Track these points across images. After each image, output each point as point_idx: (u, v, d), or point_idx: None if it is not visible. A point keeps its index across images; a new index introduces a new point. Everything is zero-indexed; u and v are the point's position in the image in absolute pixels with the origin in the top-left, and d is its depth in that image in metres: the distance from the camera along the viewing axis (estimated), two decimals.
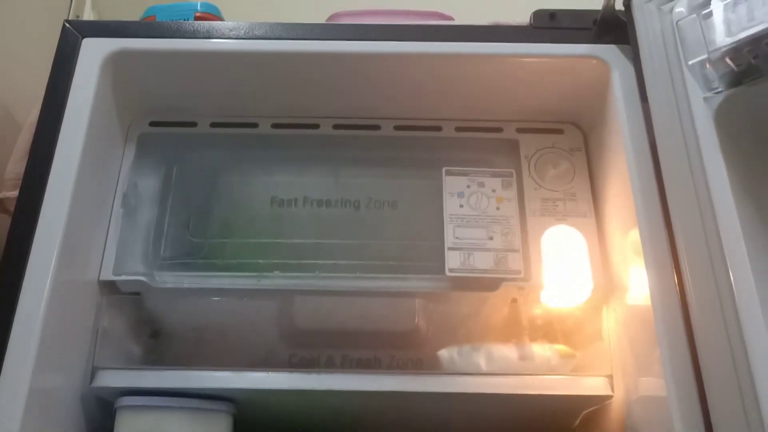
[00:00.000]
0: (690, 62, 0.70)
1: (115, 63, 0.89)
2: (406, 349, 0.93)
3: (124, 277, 0.91)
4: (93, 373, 0.87)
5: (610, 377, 0.87)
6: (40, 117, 0.85)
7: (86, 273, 0.88)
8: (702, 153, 0.69)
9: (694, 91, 0.72)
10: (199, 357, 0.94)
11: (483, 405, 0.89)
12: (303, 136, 0.98)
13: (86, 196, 0.85)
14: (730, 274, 0.68)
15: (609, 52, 0.86)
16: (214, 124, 0.99)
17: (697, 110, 0.71)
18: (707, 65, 0.69)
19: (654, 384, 0.76)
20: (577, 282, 0.89)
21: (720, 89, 0.70)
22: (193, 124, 0.99)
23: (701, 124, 0.70)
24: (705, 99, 0.71)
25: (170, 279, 0.92)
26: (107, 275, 0.91)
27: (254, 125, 0.99)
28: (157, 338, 0.99)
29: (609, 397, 0.86)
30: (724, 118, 0.70)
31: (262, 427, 0.93)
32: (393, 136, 0.98)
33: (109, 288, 0.92)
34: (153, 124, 0.99)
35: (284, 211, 0.95)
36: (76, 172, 0.82)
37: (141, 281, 0.91)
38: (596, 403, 0.88)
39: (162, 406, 0.86)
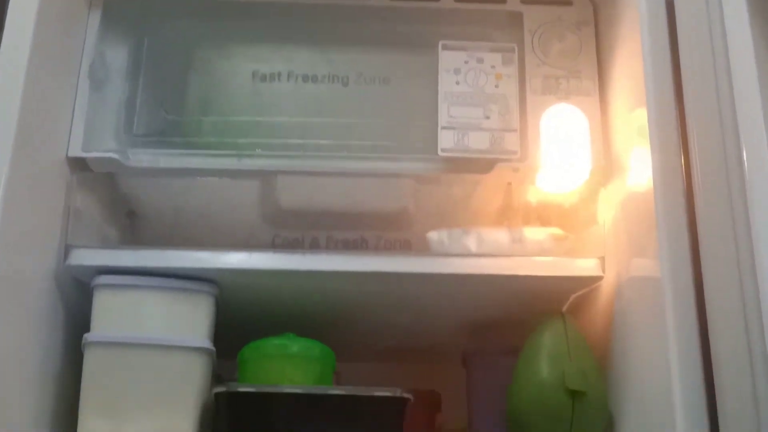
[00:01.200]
0: None
1: None
2: (394, 231, 0.92)
3: (94, 154, 0.87)
4: (66, 252, 0.84)
5: (602, 259, 0.86)
6: None
7: (52, 149, 0.84)
8: (724, 13, 0.64)
9: None
10: (177, 239, 0.92)
11: (472, 287, 0.88)
12: (288, 4, 0.92)
13: (45, 67, 0.79)
14: (744, 158, 0.66)
15: None
16: None
17: None
18: None
19: (648, 265, 0.75)
20: (575, 163, 0.87)
21: None
22: None
23: None
24: None
25: (145, 158, 0.88)
26: (76, 152, 0.86)
27: None
28: (133, 219, 0.96)
29: (599, 279, 0.86)
30: None
31: (245, 311, 0.91)
32: (387, 7, 0.92)
33: (80, 165, 0.87)
34: None
35: (266, 87, 0.90)
36: (30, 39, 0.76)
37: (113, 159, 0.87)
38: (586, 285, 0.88)
39: (141, 286, 0.84)
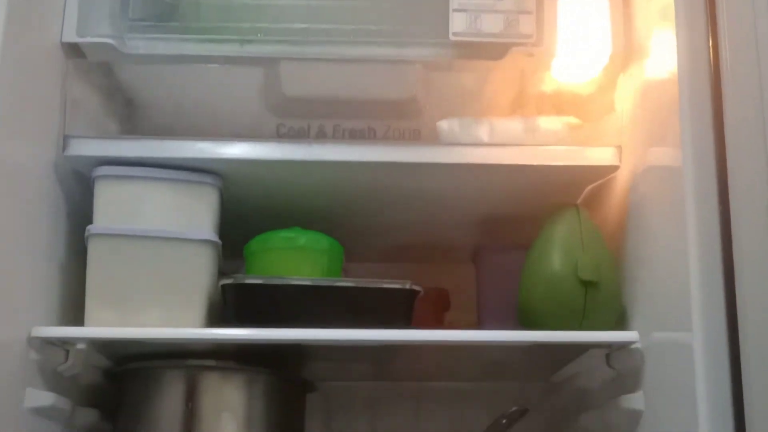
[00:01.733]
0: None
1: None
2: (403, 120, 0.90)
3: (89, 39, 0.83)
4: (65, 142, 0.82)
5: (619, 148, 0.84)
6: None
7: (46, 34, 0.81)
8: None
9: None
10: (178, 130, 0.90)
11: (483, 179, 0.86)
12: None
13: None
14: None
15: None
16: None
17: None
18: None
19: (668, 154, 0.73)
20: (593, 48, 0.83)
21: None
22: None
23: None
24: None
25: (142, 44, 0.85)
26: (70, 37, 0.83)
27: None
28: (132, 109, 0.94)
29: (615, 168, 0.84)
30: None
31: (250, 206, 0.90)
32: None
33: (75, 52, 0.84)
34: None
35: None
36: None
37: (109, 45, 0.83)
38: (602, 175, 0.86)
39: (143, 177, 0.82)
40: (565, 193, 0.88)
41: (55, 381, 0.78)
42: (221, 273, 0.85)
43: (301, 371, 0.94)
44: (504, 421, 0.83)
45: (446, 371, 1.04)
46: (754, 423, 0.61)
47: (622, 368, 0.80)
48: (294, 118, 0.90)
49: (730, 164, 0.66)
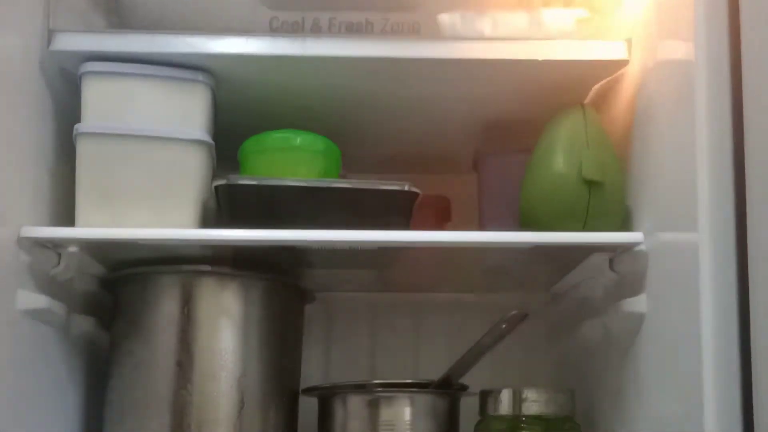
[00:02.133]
0: None
1: None
2: (401, 12, 0.86)
3: None
4: (50, 37, 0.79)
5: (629, 42, 0.80)
6: None
7: None
8: None
9: None
10: (167, 23, 0.86)
11: (485, 76, 0.83)
12: None
13: None
14: None
15: None
16: None
17: None
18: None
19: (680, 47, 0.69)
20: None
21: None
22: None
23: None
24: None
25: None
26: None
27: None
28: (117, 1, 0.90)
29: (625, 63, 0.81)
30: None
31: (243, 108, 0.87)
32: None
33: None
34: None
35: None
36: None
37: None
38: (611, 71, 0.83)
39: (131, 74, 0.79)
40: (571, 92, 0.84)
41: (49, 285, 0.77)
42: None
43: (300, 281, 0.93)
44: (504, 325, 0.81)
45: (446, 281, 1.03)
46: (759, 324, 0.59)
47: (626, 272, 0.78)
48: (288, 10, 0.86)
49: (744, 59, 0.63)
